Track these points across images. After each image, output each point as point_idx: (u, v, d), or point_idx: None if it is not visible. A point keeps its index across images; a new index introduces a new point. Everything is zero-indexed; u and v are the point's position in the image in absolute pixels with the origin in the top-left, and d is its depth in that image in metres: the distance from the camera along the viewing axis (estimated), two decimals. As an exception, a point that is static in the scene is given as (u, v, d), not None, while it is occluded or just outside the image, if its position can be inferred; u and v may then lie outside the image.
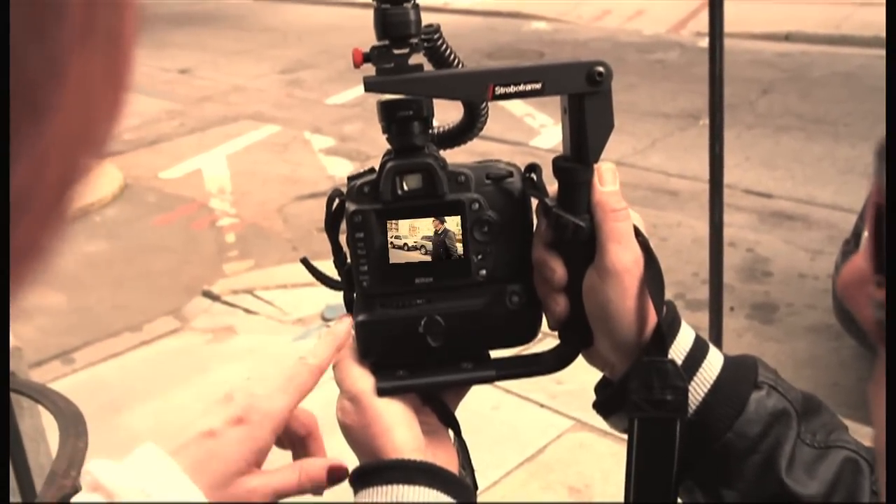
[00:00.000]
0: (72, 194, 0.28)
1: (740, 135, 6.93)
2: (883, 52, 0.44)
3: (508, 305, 0.80)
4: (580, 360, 0.82)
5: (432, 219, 0.77)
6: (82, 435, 2.02)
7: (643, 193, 6.11)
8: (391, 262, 0.78)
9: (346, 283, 0.82)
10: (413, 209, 0.77)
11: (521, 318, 0.81)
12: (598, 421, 0.82)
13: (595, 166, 0.76)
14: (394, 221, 0.77)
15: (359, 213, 0.77)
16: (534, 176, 0.80)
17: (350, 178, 0.79)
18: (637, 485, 0.77)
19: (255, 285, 5.26)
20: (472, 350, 0.81)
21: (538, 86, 0.74)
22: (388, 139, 0.78)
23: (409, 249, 0.78)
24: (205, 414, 0.75)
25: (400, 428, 0.76)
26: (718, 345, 0.78)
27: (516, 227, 0.79)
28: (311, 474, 0.77)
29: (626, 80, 8.22)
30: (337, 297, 0.82)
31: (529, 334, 0.82)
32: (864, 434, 0.69)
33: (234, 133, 8.24)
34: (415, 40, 0.74)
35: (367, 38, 0.74)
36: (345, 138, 7.85)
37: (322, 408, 0.83)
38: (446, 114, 0.82)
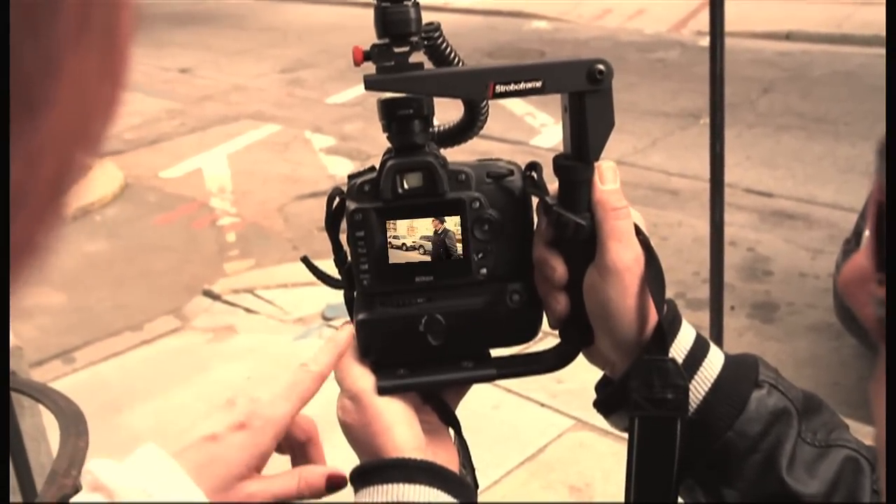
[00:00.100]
0: (68, 191, 0.28)
1: (741, 134, 6.93)
2: (883, 52, 0.44)
3: (509, 304, 0.80)
4: (581, 358, 0.82)
5: (431, 219, 0.77)
6: (83, 434, 2.02)
7: (644, 192, 6.11)
8: (390, 261, 0.78)
9: (347, 281, 0.82)
10: (413, 207, 0.77)
11: (522, 316, 0.80)
12: (599, 420, 0.82)
13: (595, 165, 0.76)
14: (392, 222, 0.77)
15: (359, 211, 0.77)
16: (534, 174, 0.79)
17: (350, 177, 0.79)
18: (638, 484, 0.77)
19: (255, 284, 5.26)
20: (472, 349, 0.81)
21: (538, 84, 0.74)
22: (388, 138, 0.78)
23: (407, 249, 0.78)
24: (207, 418, 0.76)
25: (400, 427, 0.76)
26: (719, 344, 0.78)
27: (517, 225, 0.79)
28: (310, 481, 0.78)
29: (627, 79, 8.21)
30: (337, 296, 0.82)
31: (530, 333, 0.81)
32: (864, 433, 0.69)
33: (234, 132, 8.24)
34: (415, 38, 0.73)
35: (368, 37, 0.74)
36: (345, 137, 7.85)
37: (322, 407, 0.83)
38: (447, 112, 0.81)
